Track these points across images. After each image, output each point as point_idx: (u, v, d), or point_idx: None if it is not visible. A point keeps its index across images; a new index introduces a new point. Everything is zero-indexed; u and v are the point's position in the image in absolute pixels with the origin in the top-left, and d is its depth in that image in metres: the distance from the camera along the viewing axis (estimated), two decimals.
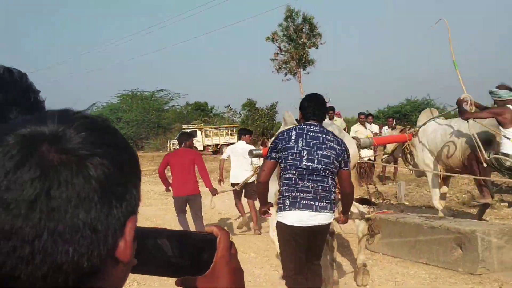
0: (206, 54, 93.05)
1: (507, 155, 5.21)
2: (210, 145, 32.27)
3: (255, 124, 34.62)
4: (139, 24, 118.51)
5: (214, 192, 6.31)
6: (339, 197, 3.51)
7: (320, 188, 3.20)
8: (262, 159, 4.86)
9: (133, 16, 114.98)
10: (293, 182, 3.20)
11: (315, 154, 3.18)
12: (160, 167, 6.28)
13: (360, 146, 4.92)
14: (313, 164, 3.17)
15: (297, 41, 27.12)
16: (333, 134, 3.32)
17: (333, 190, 3.28)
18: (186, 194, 6.05)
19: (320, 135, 3.24)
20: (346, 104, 79.41)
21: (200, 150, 32.17)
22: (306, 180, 3.19)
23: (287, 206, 3.20)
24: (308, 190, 3.19)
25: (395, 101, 33.65)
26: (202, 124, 34.76)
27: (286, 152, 3.20)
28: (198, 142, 31.87)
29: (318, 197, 3.20)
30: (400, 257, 5.36)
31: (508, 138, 5.19)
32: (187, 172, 6.03)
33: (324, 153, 3.20)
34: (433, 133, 6.32)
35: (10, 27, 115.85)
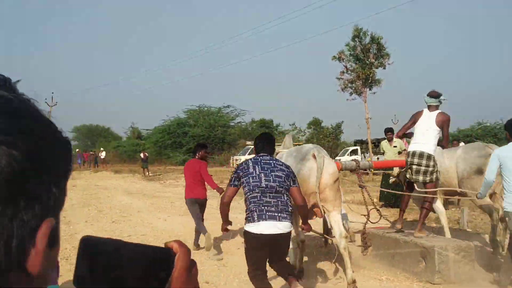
0: (274, 71, 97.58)
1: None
2: None
3: (320, 143, 37.45)
4: (208, 39, 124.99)
5: (219, 190, 7.53)
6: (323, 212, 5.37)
7: (279, 202, 4.45)
8: None
9: (203, 33, 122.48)
10: (258, 199, 4.43)
11: (269, 175, 4.49)
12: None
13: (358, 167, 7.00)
14: (270, 183, 4.46)
15: (364, 60, 28.95)
16: (281, 161, 4.78)
17: (289, 204, 4.54)
18: (195, 197, 7.82)
19: (271, 162, 4.61)
20: None
21: None
22: (268, 197, 4.44)
23: (255, 218, 4.39)
24: (271, 204, 4.43)
25: (465, 123, 34.99)
26: None
27: (248, 177, 4.49)
28: None
29: (279, 209, 4.43)
30: (383, 267, 6.56)
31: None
32: (195, 179, 7.87)
33: (277, 173, 4.52)
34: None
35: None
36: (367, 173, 12.98)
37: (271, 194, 4.48)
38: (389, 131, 11.78)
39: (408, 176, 6.66)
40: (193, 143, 45.45)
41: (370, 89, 29.74)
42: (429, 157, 6.45)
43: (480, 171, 6.56)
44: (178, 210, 12.53)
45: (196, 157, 8.22)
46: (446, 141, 6.67)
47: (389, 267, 6.51)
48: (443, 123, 6.40)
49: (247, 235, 4.48)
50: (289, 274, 4.71)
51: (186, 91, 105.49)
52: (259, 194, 4.47)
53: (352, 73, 29.94)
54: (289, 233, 4.56)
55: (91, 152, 42.07)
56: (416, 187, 6.60)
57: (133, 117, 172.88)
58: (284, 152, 6.43)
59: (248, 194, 4.51)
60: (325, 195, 5.59)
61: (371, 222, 6.66)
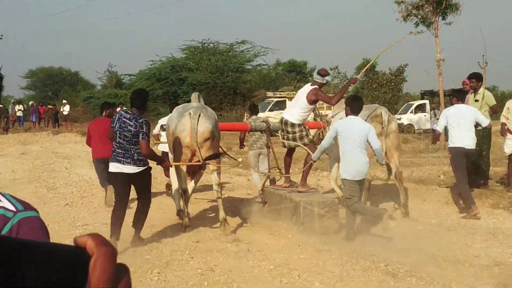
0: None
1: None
2: None
3: (373, 95, 36.83)
4: None
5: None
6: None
7: (127, 154, 8.13)
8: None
9: None
10: (115, 147, 8.22)
11: (122, 132, 8.11)
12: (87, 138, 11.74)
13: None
14: (120, 140, 8.17)
15: None
16: (135, 119, 8.11)
17: (137, 156, 8.15)
18: (103, 157, 10.42)
19: (127, 120, 8.09)
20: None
21: None
22: (119, 148, 8.14)
23: (112, 159, 8.28)
24: (120, 153, 8.20)
25: None
26: (294, 92, 37.27)
27: (113, 127, 8.21)
28: None
29: (125, 156, 8.14)
30: (273, 221, 9.92)
31: None
32: (102, 138, 10.27)
33: (125, 133, 8.07)
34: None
35: None
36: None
37: (120, 142, 8.15)
38: (472, 77, 11.96)
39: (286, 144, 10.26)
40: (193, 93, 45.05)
41: (443, 18, 29.06)
42: (293, 124, 9.93)
43: None
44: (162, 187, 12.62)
45: (103, 115, 11.46)
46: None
47: (276, 221, 9.81)
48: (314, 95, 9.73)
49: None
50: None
51: (184, 22, 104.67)
52: (116, 144, 8.21)
53: None
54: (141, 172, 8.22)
55: (49, 106, 42.43)
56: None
57: (111, 57, 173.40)
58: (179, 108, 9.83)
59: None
60: (201, 149, 8.94)
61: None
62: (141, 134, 7.98)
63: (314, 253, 7.90)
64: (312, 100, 9.71)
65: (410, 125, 35.80)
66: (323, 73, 9.88)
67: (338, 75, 44.06)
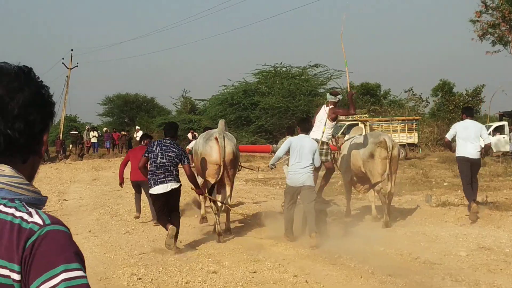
0: (380, 19, 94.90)
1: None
2: None
3: (450, 117, 35.88)
4: None
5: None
6: None
7: (167, 171, 9.70)
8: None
9: None
10: (155, 169, 9.70)
11: (164, 154, 9.75)
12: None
13: None
14: (162, 160, 9.72)
15: None
16: (176, 144, 9.99)
17: (176, 173, 9.86)
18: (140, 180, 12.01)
19: (169, 144, 9.81)
20: None
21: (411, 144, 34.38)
22: (160, 169, 9.67)
23: (152, 183, 9.78)
24: (162, 171, 9.69)
25: None
26: (366, 116, 36.74)
27: (151, 154, 9.81)
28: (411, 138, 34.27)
29: (167, 175, 9.71)
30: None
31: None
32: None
33: (169, 154, 9.75)
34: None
35: None
36: None
37: (162, 167, 9.71)
38: None
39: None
40: (265, 118, 45.29)
41: None
42: (323, 142, 11.23)
43: (372, 156, 11.74)
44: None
45: (142, 144, 13.21)
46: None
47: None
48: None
49: (151, 196, 10.26)
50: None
51: (257, 47, 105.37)
52: (154, 168, 9.72)
53: (495, 12, 28.56)
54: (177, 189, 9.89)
55: (123, 133, 43.08)
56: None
57: (185, 83, 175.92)
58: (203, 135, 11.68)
59: (149, 164, 9.90)
60: (227, 165, 10.81)
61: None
62: (185, 158, 9.84)
63: (376, 285, 7.47)
64: (333, 117, 11.26)
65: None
66: (335, 93, 11.71)
67: (413, 97, 43.24)
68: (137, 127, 43.40)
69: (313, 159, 10.26)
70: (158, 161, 9.66)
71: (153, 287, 7.50)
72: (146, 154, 9.87)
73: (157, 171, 9.67)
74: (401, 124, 34.93)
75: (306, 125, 10.79)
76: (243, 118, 46.89)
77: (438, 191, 15.89)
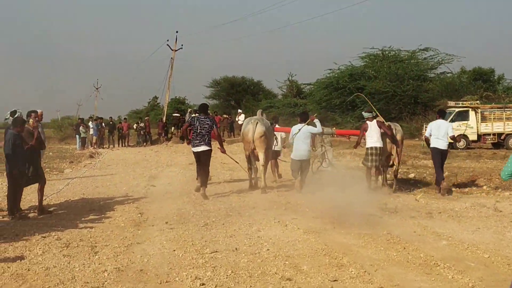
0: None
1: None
2: (489, 134, 32.66)
3: None
4: None
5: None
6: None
7: (205, 137, 13.88)
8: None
9: None
10: (195, 135, 13.89)
11: (203, 127, 13.92)
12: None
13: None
14: (200, 130, 13.90)
15: None
16: (208, 118, 14.21)
17: (208, 140, 14.01)
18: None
19: (204, 119, 13.98)
20: None
21: (473, 141, 32.62)
22: (198, 134, 13.84)
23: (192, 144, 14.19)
24: (199, 138, 13.88)
25: None
26: (478, 102, 34.60)
27: (192, 126, 14.08)
28: (471, 127, 32.31)
29: (204, 139, 13.92)
30: None
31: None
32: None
33: (206, 122, 13.99)
34: None
35: None
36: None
37: (201, 133, 13.84)
38: None
39: None
40: (372, 103, 43.33)
41: None
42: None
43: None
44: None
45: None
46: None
47: None
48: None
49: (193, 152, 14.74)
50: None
51: (361, 28, 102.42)
52: (195, 133, 13.89)
53: None
54: (208, 151, 14.13)
55: (225, 116, 42.79)
56: None
57: (291, 66, 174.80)
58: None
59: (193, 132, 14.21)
60: (256, 144, 14.84)
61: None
62: (214, 126, 14.22)
63: None
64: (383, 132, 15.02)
65: None
66: (369, 111, 15.31)
67: None
68: (239, 111, 43.05)
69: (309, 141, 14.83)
70: (198, 132, 13.84)
71: None
72: (190, 127, 14.26)
73: (196, 138, 13.86)
74: None
75: (303, 116, 15.11)
76: (348, 102, 45.51)
77: None
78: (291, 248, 8.62)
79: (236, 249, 8.51)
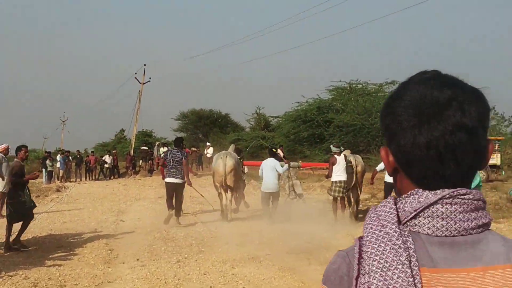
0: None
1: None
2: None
3: None
4: None
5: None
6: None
7: (179, 169, 15.09)
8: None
9: None
10: (170, 167, 15.09)
11: (175, 160, 15.12)
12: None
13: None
14: (172, 162, 15.11)
15: None
16: (180, 151, 15.50)
17: (181, 171, 15.21)
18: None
19: (176, 152, 15.33)
20: None
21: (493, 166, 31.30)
22: (172, 167, 15.05)
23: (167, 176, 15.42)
24: (173, 170, 15.08)
25: None
26: None
27: (167, 158, 15.40)
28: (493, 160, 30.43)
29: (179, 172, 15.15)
30: None
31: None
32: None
33: (178, 156, 15.26)
34: None
35: None
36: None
37: (174, 166, 15.05)
38: None
39: None
40: (340, 136, 43.82)
41: None
42: None
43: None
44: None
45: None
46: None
47: None
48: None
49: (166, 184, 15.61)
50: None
51: (330, 63, 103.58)
52: (170, 166, 15.11)
53: None
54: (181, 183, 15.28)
55: (193, 149, 42.45)
56: None
57: (259, 99, 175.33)
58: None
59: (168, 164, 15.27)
60: (227, 177, 15.62)
61: None
62: (184, 157, 15.20)
63: None
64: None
65: None
66: (337, 146, 16.31)
67: (495, 116, 41.12)
68: (208, 144, 42.85)
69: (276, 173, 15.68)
70: (171, 164, 14.98)
71: None
72: (164, 159, 15.58)
73: (171, 170, 15.01)
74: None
75: (270, 152, 16.48)
76: (316, 135, 45.65)
77: None
78: (267, 286, 8.46)
79: (211, 287, 8.32)
